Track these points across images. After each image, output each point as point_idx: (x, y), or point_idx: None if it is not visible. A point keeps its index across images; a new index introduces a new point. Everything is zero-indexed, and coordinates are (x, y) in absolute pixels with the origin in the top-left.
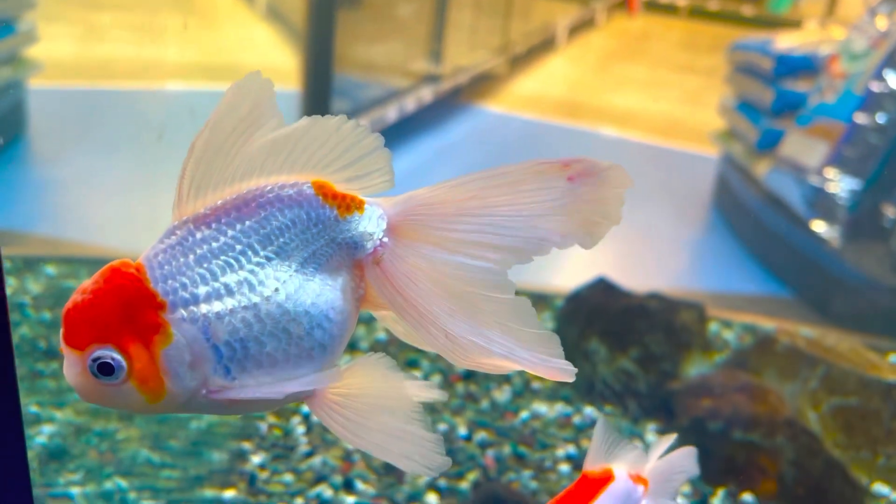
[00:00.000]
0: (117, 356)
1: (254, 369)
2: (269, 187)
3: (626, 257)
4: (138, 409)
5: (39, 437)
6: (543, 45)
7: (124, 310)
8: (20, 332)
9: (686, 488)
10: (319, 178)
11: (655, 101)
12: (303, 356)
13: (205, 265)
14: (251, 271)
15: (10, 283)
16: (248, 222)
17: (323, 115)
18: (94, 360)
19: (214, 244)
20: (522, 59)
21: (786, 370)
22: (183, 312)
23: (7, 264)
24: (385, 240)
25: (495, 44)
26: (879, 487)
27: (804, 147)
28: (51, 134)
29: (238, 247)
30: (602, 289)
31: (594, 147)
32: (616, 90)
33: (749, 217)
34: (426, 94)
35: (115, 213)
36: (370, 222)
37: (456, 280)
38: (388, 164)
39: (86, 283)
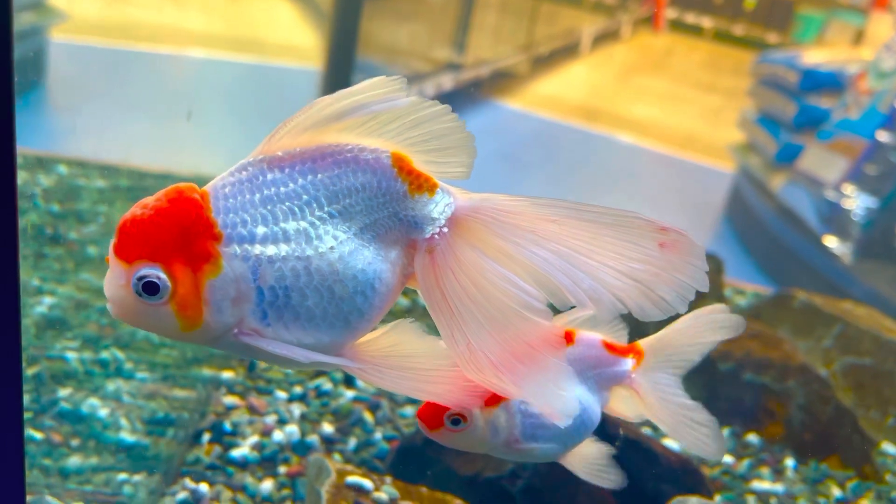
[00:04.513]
0: (164, 276)
1: (290, 320)
2: (349, 146)
3: None
4: (170, 334)
5: (40, 307)
6: (567, 51)
7: (181, 233)
8: (29, 219)
9: None
10: (402, 150)
11: (674, 115)
12: (339, 318)
13: (269, 207)
14: (311, 223)
15: (20, 175)
16: (320, 175)
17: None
18: (140, 277)
19: (283, 189)
20: (545, 60)
21: (800, 327)
22: (237, 248)
23: (19, 160)
24: (445, 230)
25: (519, 42)
26: (887, 447)
27: (823, 162)
28: (68, 86)
29: (305, 196)
30: None
31: (610, 152)
32: (635, 100)
33: (761, 229)
34: (446, 81)
35: None
36: (436, 207)
37: (499, 292)
38: (472, 159)
39: (148, 199)
